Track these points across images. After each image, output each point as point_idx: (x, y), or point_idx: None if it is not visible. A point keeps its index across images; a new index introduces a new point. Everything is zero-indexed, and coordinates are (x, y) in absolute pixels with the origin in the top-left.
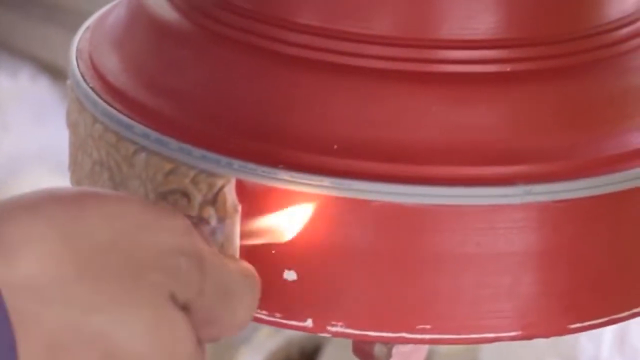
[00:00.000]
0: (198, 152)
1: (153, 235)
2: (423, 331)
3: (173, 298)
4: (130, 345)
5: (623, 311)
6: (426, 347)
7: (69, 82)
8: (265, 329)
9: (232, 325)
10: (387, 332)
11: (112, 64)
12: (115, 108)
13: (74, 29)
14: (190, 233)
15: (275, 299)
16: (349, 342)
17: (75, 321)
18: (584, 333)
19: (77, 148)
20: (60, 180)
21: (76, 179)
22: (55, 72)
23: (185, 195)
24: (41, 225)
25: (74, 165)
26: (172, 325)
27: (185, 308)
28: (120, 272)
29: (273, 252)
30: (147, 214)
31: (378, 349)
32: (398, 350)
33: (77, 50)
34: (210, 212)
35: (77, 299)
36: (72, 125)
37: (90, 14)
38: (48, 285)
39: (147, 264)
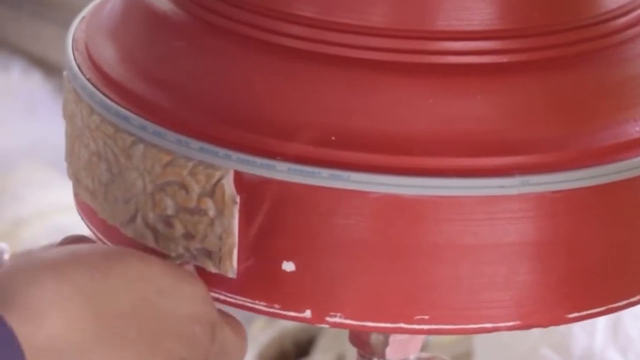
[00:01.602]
0: (196, 143)
1: (172, 302)
2: (421, 321)
3: None
4: None
5: (620, 300)
6: (423, 335)
7: (65, 73)
8: (259, 322)
9: None
10: (386, 322)
11: (108, 55)
12: (112, 99)
13: (66, 24)
14: (207, 300)
15: (274, 290)
16: (342, 334)
17: None
18: (577, 322)
19: (73, 139)
20: (52, 174)
21: (73, 170)
22: (47, 67)
23: (183, 187)
24: (66, 290)
25: (71, 156)
26: None
27: None
28: (138, 337)
29: (271, 243)
30: (168, 278)
31: (374, 338)
32: (395, 339)
33: (73, 40)
34: (208, 204)
35: None
36: (69, 117)
37: (82, 9)
38: (69, 349)
39: (164, 331)
